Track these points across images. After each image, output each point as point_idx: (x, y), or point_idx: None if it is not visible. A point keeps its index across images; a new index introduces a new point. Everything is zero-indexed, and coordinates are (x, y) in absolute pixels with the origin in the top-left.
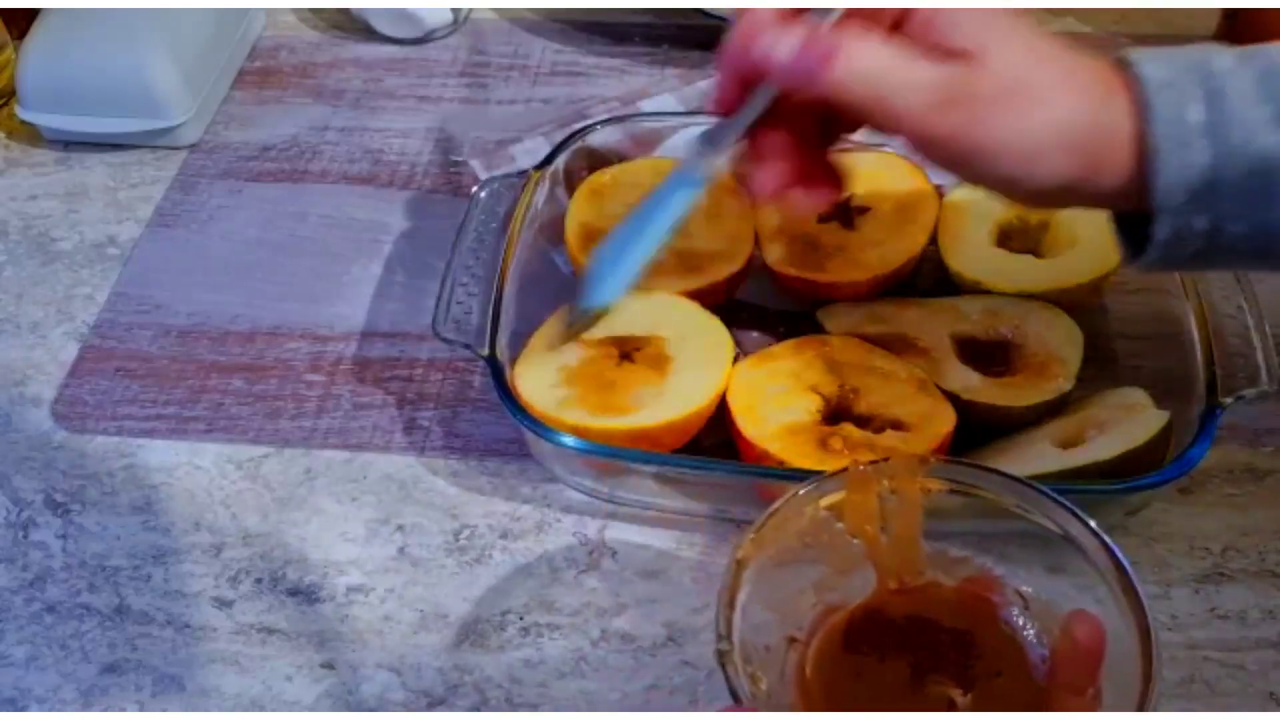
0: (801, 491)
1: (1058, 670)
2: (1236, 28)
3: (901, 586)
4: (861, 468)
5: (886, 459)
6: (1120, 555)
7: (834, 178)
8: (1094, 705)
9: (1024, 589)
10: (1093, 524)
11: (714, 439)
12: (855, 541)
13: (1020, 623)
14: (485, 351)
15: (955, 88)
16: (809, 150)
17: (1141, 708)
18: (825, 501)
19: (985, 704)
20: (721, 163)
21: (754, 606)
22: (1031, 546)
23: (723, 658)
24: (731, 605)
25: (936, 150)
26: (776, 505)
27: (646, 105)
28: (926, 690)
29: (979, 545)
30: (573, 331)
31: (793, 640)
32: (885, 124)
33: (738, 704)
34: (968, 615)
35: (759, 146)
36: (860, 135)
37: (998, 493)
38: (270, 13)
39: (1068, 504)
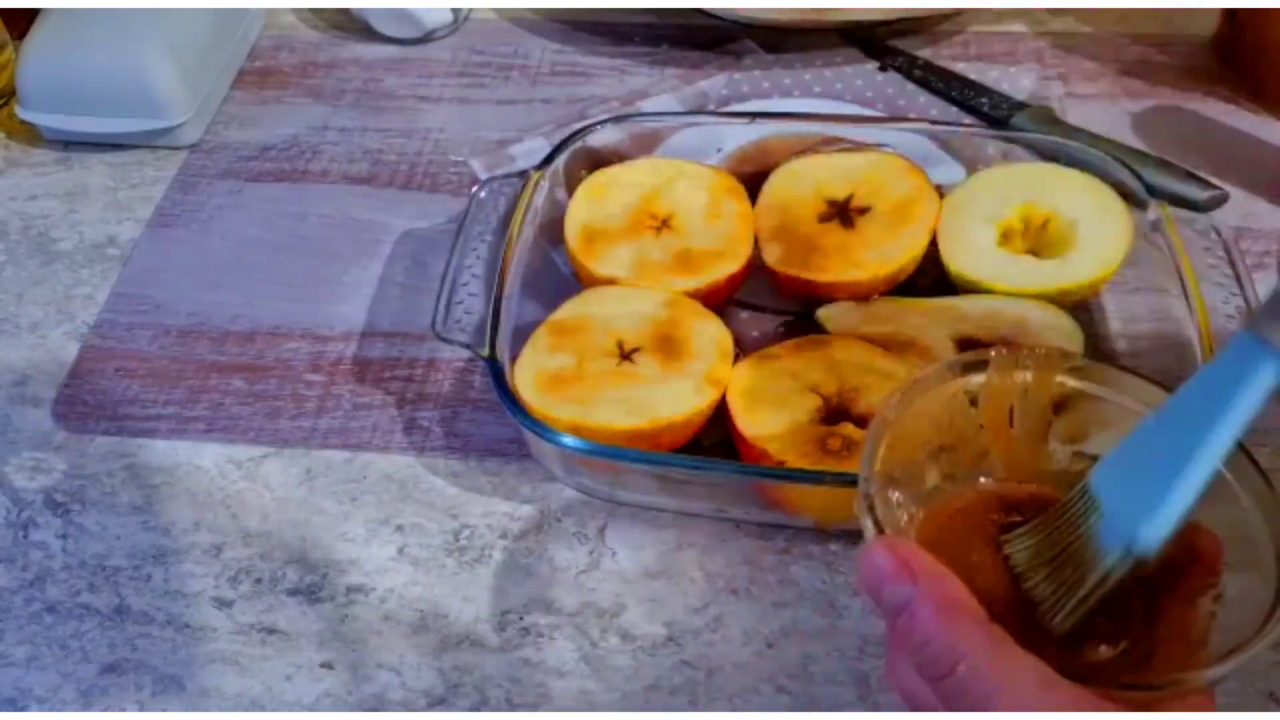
0: (944, 367)
1: (1173, 578)
2: (1236, 28)
3: (1018, 479)
4: (1005, 352)
5: (1032, 349)
6: (1259, 464)
7: None
8: (1209, 614)
9: None
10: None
11: (714, 439)
12: (983, 430)
13: None
14: (485, 351)
15: None
16: None
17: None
18: (964, 383)
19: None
20: None
21: (885, 479)
22: None
23: (868, 499)
24: (876, 452)
25: None
26: (921, 374)
27: (646, 105)
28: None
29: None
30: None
31: (910, 519)
32: None
33: (882, 535)
34: None
35: None
36: (860, 135)
37: (1137, 402)
38: (270, 13)
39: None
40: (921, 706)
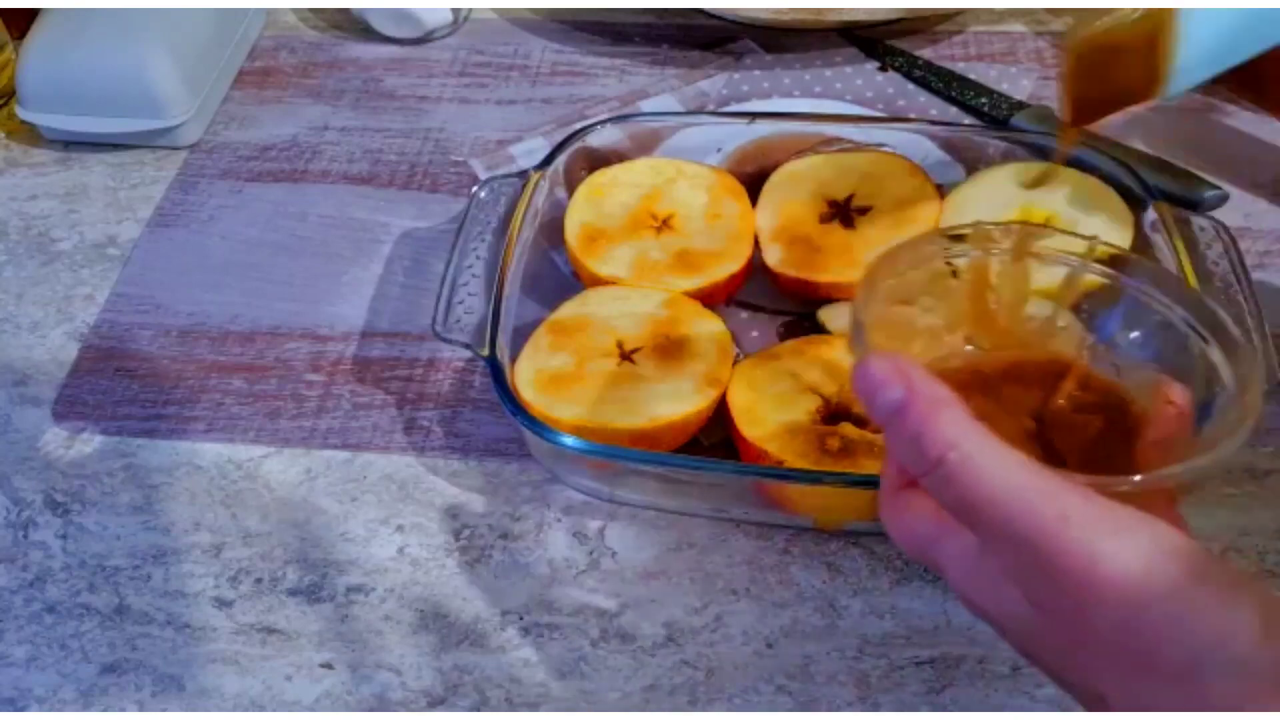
0: (929, 236)
1: (1153, 424)
2: None
3: (999, 347)
4: (986, 226)
5: (1010, 225)
6: (1222, 313)
7: None
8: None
9: (1117, 359)
10: (1210, 303)
11: (714, 439)
12: (964, 298)
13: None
14: (485, 351)
15: None
16: None
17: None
18: (947, 253)
19: (1088, 441)
20: None
21: (874, 330)
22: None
23: (861, 314)
24: (870, 294)
25: None
26: (907, 241)
27: (646, 105)
28: (1037, 433)
29: None
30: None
31: None
32: None
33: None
34: (1064, 369)
35: None
36: (860, 135)
37: (1108, 267)
38: (270, 13)
39: (1175, 277)
40: (914, 543)
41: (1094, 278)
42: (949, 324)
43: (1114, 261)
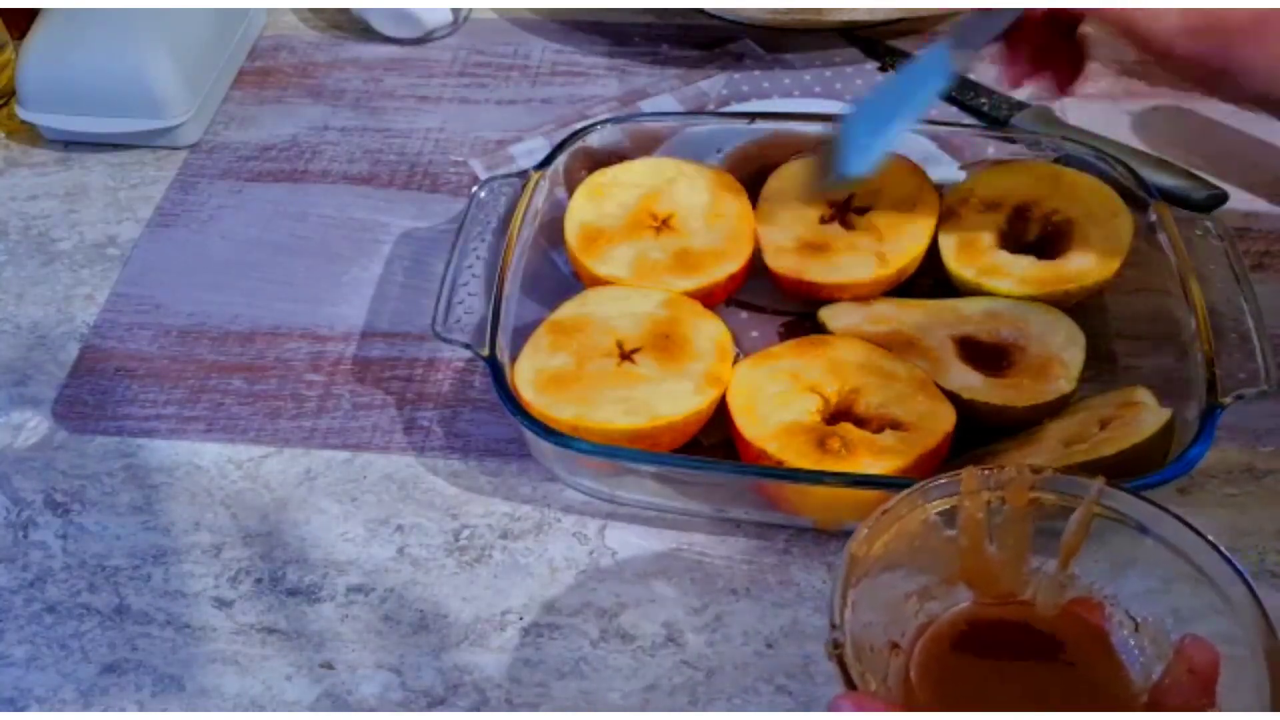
0: (912, 493)
1: (1169, 693)
2: None
3: (1001, 601)
4: (973, 473)
5: (1001, 467)
6: (1250, 581)
7: (1076, 60)
8: None
9: (1134, 612)
10: (1223, 549)
11: (714, 439)
12: (960, 551)
13: (1127, 644)
14: (485, 351)
15: (1204, 17)
16: (1052, 42)
17: None
18: (935, 507)
19: None
20: (973, 57)
21: (861, 606)
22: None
23: (838, 648)
24: (845, 598)
25: (1182, 70)
26: (888, 504)
27: (646, 105)
28: (1028, 706)
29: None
30: (821, 192)
31: (895, 646)
32: (1132, 42)
33: (852, 691)
34: (1070, 633)
35: (1009, 44)
36: None
37: (1115, 511)
38: (270, 13)
39: (1194, 525)
40: None
41: (1102, 521)
42: (946, 578)
43: (1123, 505)
